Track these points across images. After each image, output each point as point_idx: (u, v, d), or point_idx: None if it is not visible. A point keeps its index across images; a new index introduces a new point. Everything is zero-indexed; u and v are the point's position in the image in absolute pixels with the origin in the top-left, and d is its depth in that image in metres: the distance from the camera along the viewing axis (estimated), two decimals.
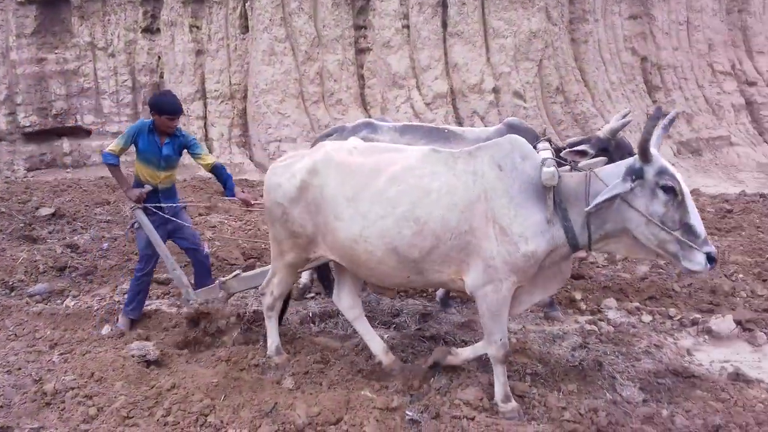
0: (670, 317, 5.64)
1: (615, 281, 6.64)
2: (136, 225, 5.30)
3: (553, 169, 3.59)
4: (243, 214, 10.03)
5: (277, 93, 15.89)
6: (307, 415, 3.55)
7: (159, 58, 17.66)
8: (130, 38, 17.66)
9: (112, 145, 5.25)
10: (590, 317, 5.66)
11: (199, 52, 17.18)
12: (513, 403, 3.78)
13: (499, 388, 3.82)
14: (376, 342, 4.40)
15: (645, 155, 3.43)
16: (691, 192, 3.89)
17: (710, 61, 18.01)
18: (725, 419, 3.69)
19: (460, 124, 15.93)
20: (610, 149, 4.65)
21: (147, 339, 4.81)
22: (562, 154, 4.07)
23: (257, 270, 5.28)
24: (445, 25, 16.21)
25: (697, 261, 3.39)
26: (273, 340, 4.50)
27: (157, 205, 5.28)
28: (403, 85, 16.15)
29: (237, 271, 5.21)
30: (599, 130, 5.03)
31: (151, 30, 17.71)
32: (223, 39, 17.07)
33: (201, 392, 3.80)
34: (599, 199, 3.43)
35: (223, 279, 5.13)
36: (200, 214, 9.87)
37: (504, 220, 3.61)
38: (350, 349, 4.62)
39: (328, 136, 5.90)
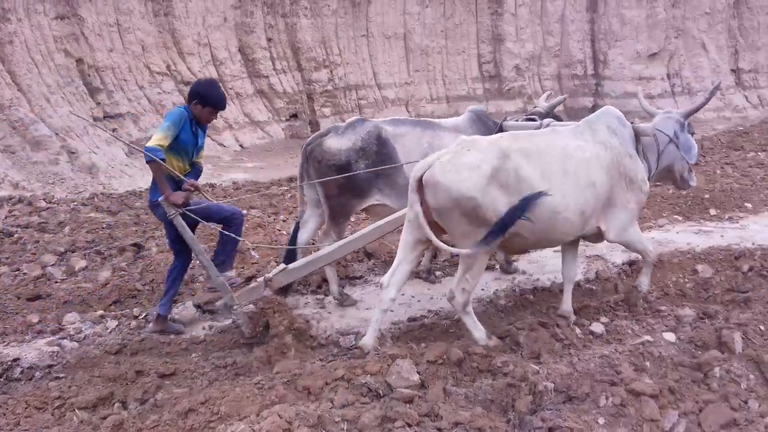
0: (136, 317, 5.79)
1: (76, 293, 6.47)
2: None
3: (651, 125, 5.27)
4: None
5: None
6: None
7: None
8: None
9: (157, 138, 4.73)
10: (51, 338, 5.31)
11: None
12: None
13: (647, 280, 5.42)
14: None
15: (690, 114, 5.38)
16: None
17: (146, 63, 18.75)
18: None
19: None
20: (551, 117, 6.31)
21: None
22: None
23: (304, 260, 5.20)
24: None
25: (695, 179, 5.55)
26: (479, 330, 4.68)
27: (198, 206, 4.97)
28: None
29: (282, 265, 5.10)
30: (535, 106, 6.92)
31: None
32: None
33: None
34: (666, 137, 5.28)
35: (269, 275, 4.98)
36: None
37: (631, 173, 4.85)
38: None
39: (322, 136, 5.72)
